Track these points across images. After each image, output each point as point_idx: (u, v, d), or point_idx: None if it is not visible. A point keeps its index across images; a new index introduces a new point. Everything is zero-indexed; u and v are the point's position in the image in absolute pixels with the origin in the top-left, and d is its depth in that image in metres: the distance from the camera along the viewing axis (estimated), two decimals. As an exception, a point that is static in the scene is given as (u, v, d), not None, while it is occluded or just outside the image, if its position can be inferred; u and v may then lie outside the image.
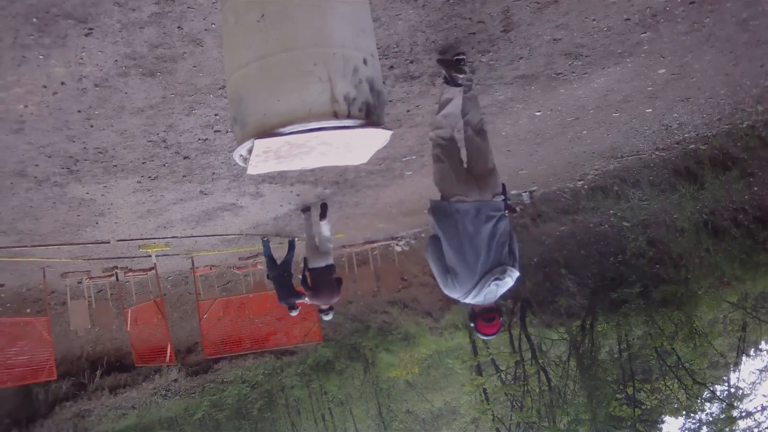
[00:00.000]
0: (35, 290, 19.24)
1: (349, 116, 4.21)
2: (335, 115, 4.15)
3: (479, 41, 8.87)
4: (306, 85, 4.15)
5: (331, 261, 15.35)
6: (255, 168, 4.72)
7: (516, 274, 7.34)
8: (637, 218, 22.44)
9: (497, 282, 7.23)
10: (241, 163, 4.78)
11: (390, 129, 4.53)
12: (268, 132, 4.18)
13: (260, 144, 4.25)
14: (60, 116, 8.43)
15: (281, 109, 4.17)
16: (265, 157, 4.49)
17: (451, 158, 7.96)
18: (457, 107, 8.14)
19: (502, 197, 7.57)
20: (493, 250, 7.22)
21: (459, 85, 8.06)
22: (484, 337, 9.18)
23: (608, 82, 11.39)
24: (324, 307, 15.05)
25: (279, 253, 17.63)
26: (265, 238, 17.80)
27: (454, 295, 7.64)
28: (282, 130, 4.16)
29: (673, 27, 9.64)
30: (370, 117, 4.34)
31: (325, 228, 15.61)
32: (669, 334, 26.11)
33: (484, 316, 7.54)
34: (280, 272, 16.73)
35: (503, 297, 7.61)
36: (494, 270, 7.17)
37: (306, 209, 16.24)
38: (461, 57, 8.66)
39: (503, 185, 7.73)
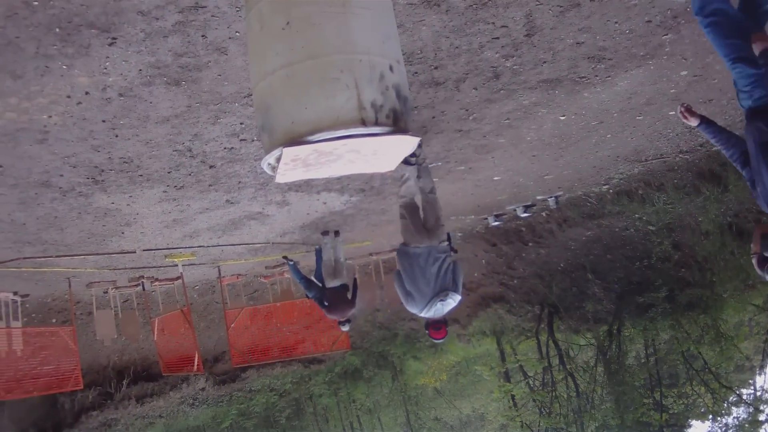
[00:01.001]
0: (60, 300, 19.27)
1: (376, 123, 4.06)
2: (363, 123, 4.01)
3: (502, 46, 8.84)
4: (333, 93, 4.04)
5: (345, 280, 16.06)
6: (283, 176, 4.58)
7: (458, 297, 9.49)
8: (662, 222, 22.32)
9: (442, 302, 9.38)
10: (269, 172, 4.64)
11: (417, 136, 4.40)
12: (296, 140, 4.07)
13: (288, 152, 4.14)
14: (84, 126, 8.37)
15: (309, 117, 4.05)
16: (293, 165, 4.37)
17: (412, 216, 9.99)
18: (413, 179, 10.15)
19: (447, 242, 9.85)
20: (440, 280, 9.41)
21: (411, 164, 10.08)
22: (435, 341, 10.79)
23: (631, 85, 11.31)
24: (342, 319, 15.66)
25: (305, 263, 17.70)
26: (291, 261, 18.01)
27: (413, 311, 9.73)
28: (310, 138, 4.05)
29: (693, 28, 9.56)
30: (398, 124, 4.19)
31: (339, 251, 16.41)
32: (695, 338, 25.97)
33: (433, 326, 9.78)
34: (318, 290, 16.59)
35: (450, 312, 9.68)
36: (440, 294, 9.34)
37: (325, 233, 16.81)
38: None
39: (448, 234, 10.04)
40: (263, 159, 4.42)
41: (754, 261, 5.86)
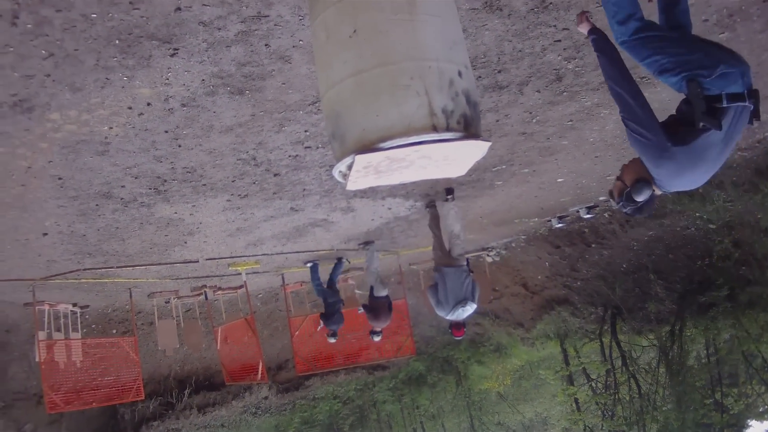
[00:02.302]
0: (121, 311, 19.39)
1: (447, 129, 4.15)
2: (434, 129, 4.10)
3: (564, 48, 8.78)
4: (404, 100, 4.10)
5: (388, 292, 17.66)
6: (355, 183, 4.62)
7: (474, 305, 12.99)
8: (722, 220, 22.03)
9: (462, 308, 12.82)
10: (340, 180, 4.66)
11: (488, 140, 4.42)
12: (367, 147, 4.12)
13: (361, 159, 4.18)
14: (146, 137, 8.37)
15: (380, 124, 4.12)
16: (365, 172, 4.40)
17: (441, 250, 14.09)
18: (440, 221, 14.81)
19: (467, 265, 13.47)
20: (462, 292, 12.88)
21: (447, 201, 14.54)
22: (456, 338, 14.53)
23: None
24: (377, 329, 17.69)
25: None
26: (311, 263, 18.79)
27: (441, 314, 13.18)
28: (382, 145, 4.12)
29: (749, 25, 9.48)
30: (469, 129, 4.26)
31: (372, 261, 17.80)
32: (755, 336, 25.63)
33: (455, 326, 13.43)
34: (333, 297, 18.61)
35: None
36: (461, 302, 12.78)
37: (369, 242, 17.96)
38: (449, 192, 14.63)
39: (467, 259, 13.84)
40: (334, 167, 4.47)
41: (614, 190, 5.93)
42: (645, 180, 5.49)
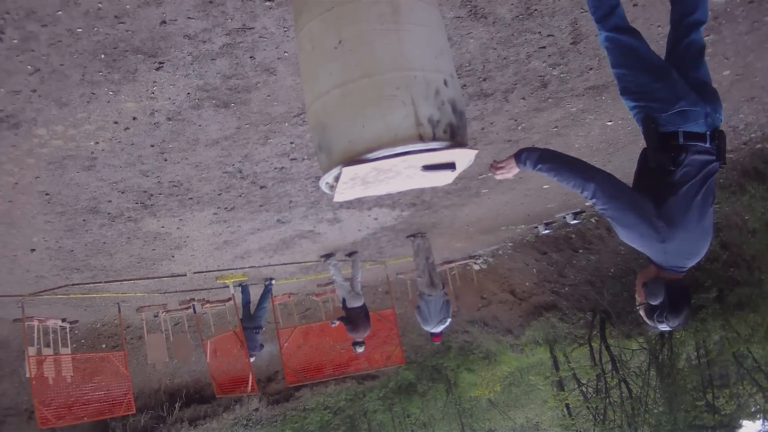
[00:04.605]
0: (110, 325, 19.38)
1: (434, 139, 4.15)
2: (421, 138, 4.10)
3: (549, 55, 8.81)
4: (390, 110, 4.08)
5: (363, 301, 17.69)
6: (342, 195, 4.62)
7: (449, 320, 16.34)
8: (709, 222, 22.12)
9: (442, 323, 16.13)
10: (327, 191, 4.66)
11: (475, 149, 4.44)
12: (354, 159, 4.12)
13: (348, 171, 4.18)
14: (132, 151, 8.37)
15: (367, 135, 4.11)
16: (352, 183, 4.41)
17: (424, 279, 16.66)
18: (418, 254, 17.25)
19: (444, 293, 16.43)
20: (441, 313, 16.06)
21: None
22: (435, 344, 18.55)
23: None
24: (359, 340, 17.75)
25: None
26: (268, 281, 18.99)
27: (426, 328, 16.41)
28: (369, 156, 4.11)
29: (734, 27, 9.51)
30: (455, 138, 4.27)
31: (357, 272, 18.00)
32: (745, 338, 25.73)
33: (435, 335, 16.66)
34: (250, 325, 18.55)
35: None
36: (442, 320, 16.09)
37: (329, 255, 17.88)
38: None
39: (443, 283, 16.78)
40: (321, 179, 4.47)
41: (642, 312, 5.65)
42: (649, 280, 5.37)
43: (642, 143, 5.59)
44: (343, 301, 17.48)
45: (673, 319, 5.34)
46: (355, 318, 17.40)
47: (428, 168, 4.33)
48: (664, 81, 5.22)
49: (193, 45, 6.42)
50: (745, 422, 29.73)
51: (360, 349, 17.97)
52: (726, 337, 26.81)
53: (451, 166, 4.31)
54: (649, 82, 5.24)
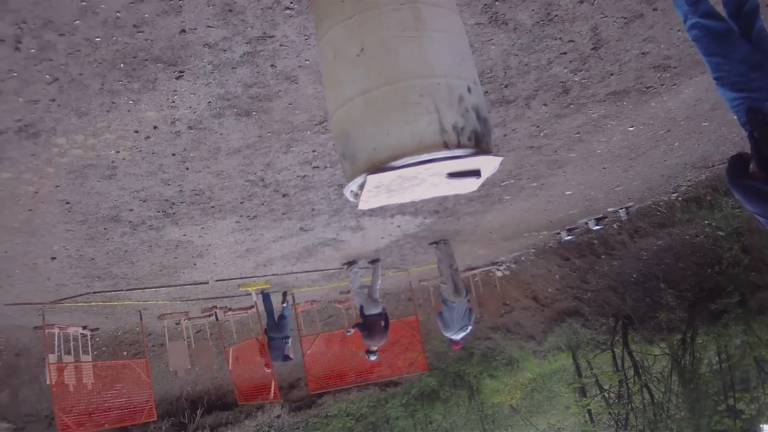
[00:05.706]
0: (131, 333, 19.41)
1: (459, 146, 4.01)
2: (446, 146, 3.96)
3: (570, 60, 8.76)
4: (414, 117, 3.99)
5: (381, 309, 17.77)
6: (366, 203, 4.48)
7: (470, 327, 16.79)
8: (731, 227, 22.02)
9: (463, 330, 16.60)
10: (351, 199, 4.53)
11: (500, 156, 4.30)
12: (379, 166, 4.02)
13: (372, 179, 4.07)
14: (154, 160, 8.35)
15: (391, 143, 4.01)
16: (377, 191, 4.30)
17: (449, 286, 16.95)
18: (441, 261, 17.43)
19: (467, 300, 16.83)
20: (463, 320, 16.49)
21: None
22: (455, 349, 18.79)
23: (696, 91, 11.11)
24: (373, 348, 17.86)
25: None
26: (264, 291, 18.43)
27: (447, 335, 16.84)
28: (393, 163, 4.00)
29: None
30: (480, 145, 4.14)
31: (377, 279, 17.89)
32: (766, 342, 25.62)
33: (455, 342, 17.11)
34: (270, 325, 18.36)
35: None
36: (463, 327, 16.52)
37: (352, 263, 17.77)
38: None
39: (466, 290, 17.05)
40: (346, 187, 4.35)
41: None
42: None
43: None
44: (361, 308, 17.43)
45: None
46: (371, 325, 17.35)
47: (453, 175, 4.21)
48: (761, 70, 5.06)
49: (213, 54, 6.39)
50: (765, 427, 29.63)
51: (373, 357, 17.97)
52: (747, 342, 26.72)
53: (476, 173, 4.25)
54: (746, 71, 5.05)
